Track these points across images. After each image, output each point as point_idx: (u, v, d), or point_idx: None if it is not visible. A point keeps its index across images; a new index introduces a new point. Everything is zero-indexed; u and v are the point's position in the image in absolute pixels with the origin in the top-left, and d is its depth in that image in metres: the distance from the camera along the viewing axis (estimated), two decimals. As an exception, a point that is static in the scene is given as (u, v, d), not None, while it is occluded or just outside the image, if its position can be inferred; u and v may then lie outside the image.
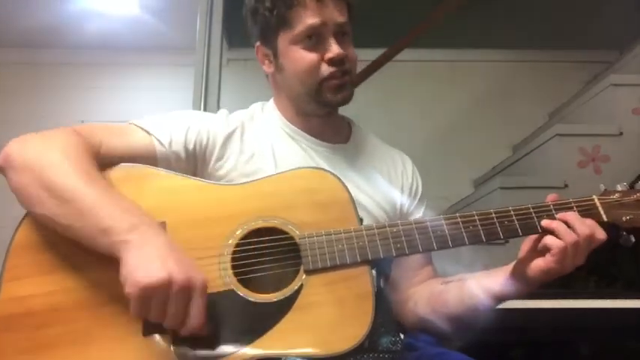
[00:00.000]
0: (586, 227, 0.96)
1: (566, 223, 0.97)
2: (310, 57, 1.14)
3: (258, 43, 1.22)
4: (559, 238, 0.95)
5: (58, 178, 0.93)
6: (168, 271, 0.84)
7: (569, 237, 0.95)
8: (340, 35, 1.16)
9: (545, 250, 0.97)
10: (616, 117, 2.68)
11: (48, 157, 0.96)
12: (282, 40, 1.16)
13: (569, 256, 0.95)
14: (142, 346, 0.90)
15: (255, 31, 1.22)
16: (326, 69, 1.14)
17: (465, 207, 3.00)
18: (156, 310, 0.85)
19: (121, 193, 0.97)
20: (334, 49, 1.13)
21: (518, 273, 1.02)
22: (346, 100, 1.18)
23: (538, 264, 0.98)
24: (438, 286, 1.15)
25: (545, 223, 0.99)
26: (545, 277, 0.98)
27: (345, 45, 1.16)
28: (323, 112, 1.21)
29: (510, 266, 1.05)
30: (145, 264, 0.85)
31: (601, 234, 0.97)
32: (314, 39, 1.13)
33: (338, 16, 1.14)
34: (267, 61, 1.22)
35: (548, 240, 0.97)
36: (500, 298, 1.06)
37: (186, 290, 0.85)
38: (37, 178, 0.94)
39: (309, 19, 1.12)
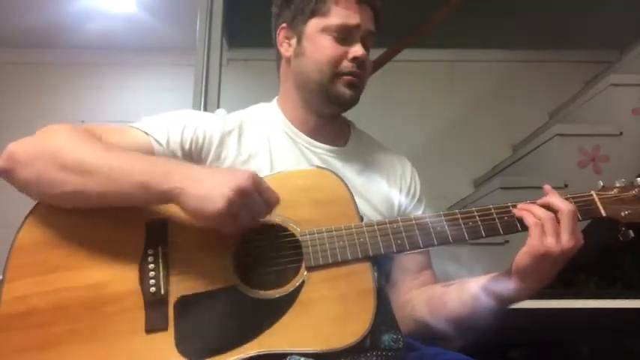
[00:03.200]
0: (562, 203, 0.97)
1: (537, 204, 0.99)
2: (335, 50, 1.16)
3: (284, 25, 1.23)
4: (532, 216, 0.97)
5: (73, 154, 0.95)
6: (232, 184, 0.90)
7: (540, 212, 0.96)
8: (365, 47, 1.19)
9: None
10: (616, 117, 2.68)
11: (55, 141, 0.98)
12: (313, 24, 1.18)
13: (548, 230, 0.95)
14: (146, 344, 0.90)
15: (287, 12, 1.23)
16: (346, 65, 1.17)
17: (465, 207, 2.98)
18: (245, 217, 0.92)
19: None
20: (360, 50, 1.17)
21: (513, 269, 1.01)
22: (353, 101, 1.20)
23: (522, 249, 0.97)
24: (437, 289, 1.15)
25: (516, 211, 1.00)
26: (529, 260, 0.96)
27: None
28: (325, 111, 1.21)
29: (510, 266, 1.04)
30: (203, 201, 0.90)
31: (567, 204, 0.97)
32: (344, 36, 1.17)
33: (370, 25, 1.20)
34: (286, 44, 1.23)
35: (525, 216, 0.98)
36: (502, 298, 1.04)
37: (253, 187, 0.91)
38: (52, 161, 0.95)
39: (348, 17, 1.16)
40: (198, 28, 2.56)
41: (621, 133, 2.62)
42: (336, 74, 1.16)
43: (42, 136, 1.00)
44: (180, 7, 3.35)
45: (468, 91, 3.70)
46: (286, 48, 1.23)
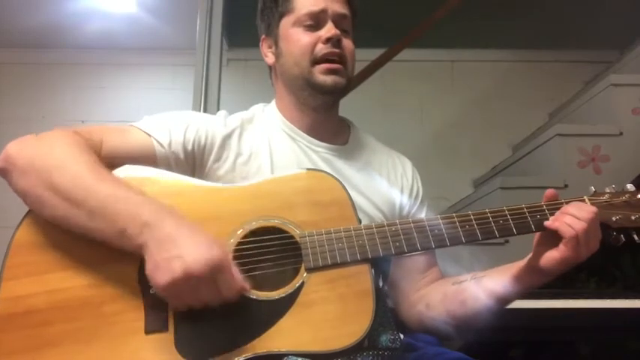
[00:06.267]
0: (588, 212, 0.98)
1: (569, 214, 0.99)
2: (307, 37, 1.18)
3: (263, 37, 1.27)
4: (570, 228, 0.97)
5: (65, 178, 0.93)
6: (184, 265, 0.85)
7: (579, 225, 0.97)
8: (340, 28, 1.19)
9: (558, 240, 0.98)
10: (616, 117, 2.68)
11: (52, 156, 0.96)
12: (284, 24, 1.21)
13: (582, 242, 0.97)
14: (145, 344, 0.90)
15: (262, 25, 1.28)
16: (321, 48, 1.17)
17: (465, 207, 2.99)
18: (190, 300, 0.88)
19: (128, 183, 0.96)
20: (332, 29, 1.18)
21: (534, 266, 1.03)
22: (338, 87, 1.18)
23: (553, 255, 0.99)
24: (450, 286, 1.15)
25: (549, 223, 1.00)
26: (561, 266, 0.99)
27: (343, 37, 1.20)
28: (317, 102, 1.21)
29: (523, 262, 1.06)
30: (161, 264, 0.86)
31: (589, 212, 0.99)
32: (314, 23, 1.19)
33: (338, 7, 1.20)
34: (269, 53, 1.26)
35: (562, 229, 0.98)
36: (520, 292, 1.07)
37: (207, 275, 0.86)
38: (44, 179, 0.94)
39: (311, 4, 1.19)
40: (198, 28, 2.56)
41: (621, 133, 2.62)
42: (313, 62, 1.17)
43: (42, 144, 0.99)
44: (180, 7, 3.35)
45: (468, 91, 3.71)
46: (270, 57, 1.26)
